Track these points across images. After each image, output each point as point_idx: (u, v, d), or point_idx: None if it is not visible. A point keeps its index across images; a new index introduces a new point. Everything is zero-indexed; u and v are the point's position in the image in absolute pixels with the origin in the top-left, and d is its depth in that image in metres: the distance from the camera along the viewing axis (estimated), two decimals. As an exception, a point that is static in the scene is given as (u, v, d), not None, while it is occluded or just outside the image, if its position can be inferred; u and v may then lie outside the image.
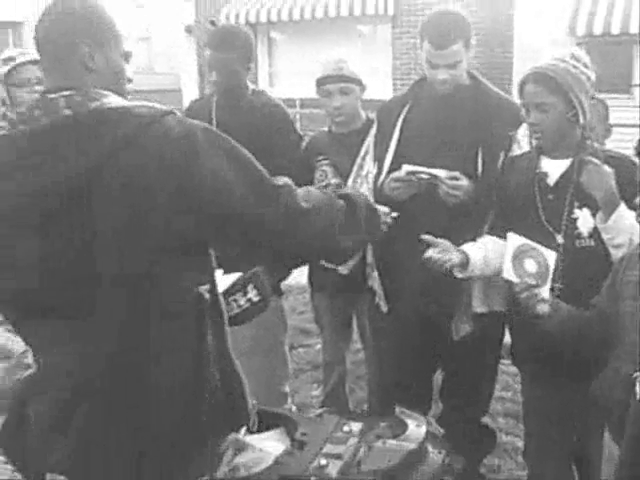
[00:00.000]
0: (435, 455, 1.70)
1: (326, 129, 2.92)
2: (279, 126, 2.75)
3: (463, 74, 2.42)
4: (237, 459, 1.88)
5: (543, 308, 1.94)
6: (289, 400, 2.98)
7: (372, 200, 2.47)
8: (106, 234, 1.34)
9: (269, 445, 1.95)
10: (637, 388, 1.23)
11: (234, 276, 1.75)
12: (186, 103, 6.51)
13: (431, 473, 1.65)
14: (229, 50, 2.66)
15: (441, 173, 2.29)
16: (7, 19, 17.94)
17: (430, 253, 2.21)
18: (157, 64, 18.45)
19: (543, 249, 2.01)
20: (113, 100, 1.40)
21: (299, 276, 2.95)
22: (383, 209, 1.82)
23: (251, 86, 2.83)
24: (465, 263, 2.22)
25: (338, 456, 1.72)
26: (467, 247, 2.25)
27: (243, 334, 2.79)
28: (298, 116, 10.03)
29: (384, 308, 2.58)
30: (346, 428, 1.83)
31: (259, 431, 1.98)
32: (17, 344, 4.92)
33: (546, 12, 9.24)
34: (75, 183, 1.32)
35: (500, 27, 9.62)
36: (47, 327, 1.45)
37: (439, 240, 2.23)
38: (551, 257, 1.99)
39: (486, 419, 2.82)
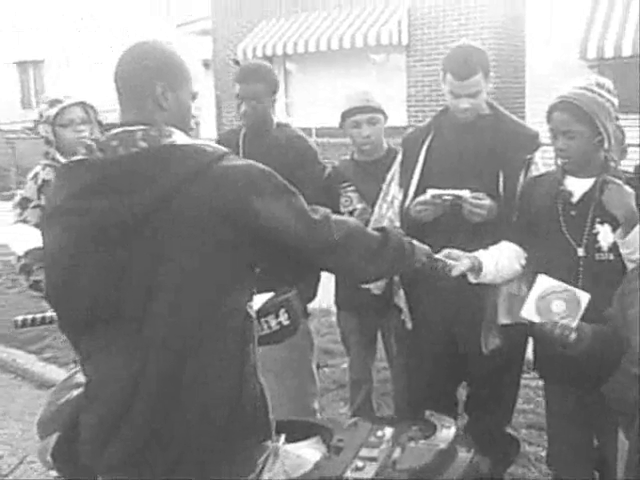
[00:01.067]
0: (464, 454, 1.84)
1: (348, 157, 3.10)
2: (304, 157, 2.93)
3: (483, 104, 2.60)
4: (277, 466, 2.02)
5: (571, 337, 1.98)
6: (318, 416, 3.11)
7: (397, 224, 2.66)
8: (171, 258, 1.48)
9: (306, 452, 2.08)
10: None
11: (266, 296, 1.90)
12: (204, 137, 6.70)
13: (460, 471, 1.79)
14: (257, 82, 2.87)
15: (465, 193, 2.45)
16: (29, 58, 18.46)
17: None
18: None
19: (576, 290, 2.03)
20: (181, 137, 1.56)
21: (321, 299, 3.12)
22: (424, 248, 1.99)
23: (275, 119, 3.01)
24: (478, 268, 2.34)
25: (373, 459, 1.86)
26: (479, 253, 2.37)
27: (275, 356, 2.95)
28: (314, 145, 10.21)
29: (409, 325, 2.72)
30: (379, 433, 1.97)
31: (296, 440, 2.13)
32: (53, 373, 5.08)
33: (555, 39, 9.44)
34: (146, 210, 1.47)
35: (512, 56, 9.82)
36: (105, 337, 1.58)
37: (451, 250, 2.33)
38: (584, 298, 2.00)
39: (509, 430, 2.94)
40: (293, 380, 3.01)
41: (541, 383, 3.66)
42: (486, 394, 2.74)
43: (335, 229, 1.64)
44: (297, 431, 2.15)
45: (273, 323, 1.90)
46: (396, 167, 2.78)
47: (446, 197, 2.47)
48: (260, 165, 1.60)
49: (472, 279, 2.37)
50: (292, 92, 12.70)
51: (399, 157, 2.77)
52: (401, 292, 2.73)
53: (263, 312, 1.87)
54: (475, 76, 2.47)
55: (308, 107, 11.69)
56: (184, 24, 14.37)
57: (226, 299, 1.56)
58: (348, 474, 1.85)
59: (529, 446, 3.14)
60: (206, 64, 14.15)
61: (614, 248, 2.21)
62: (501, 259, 2.39)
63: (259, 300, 1.86)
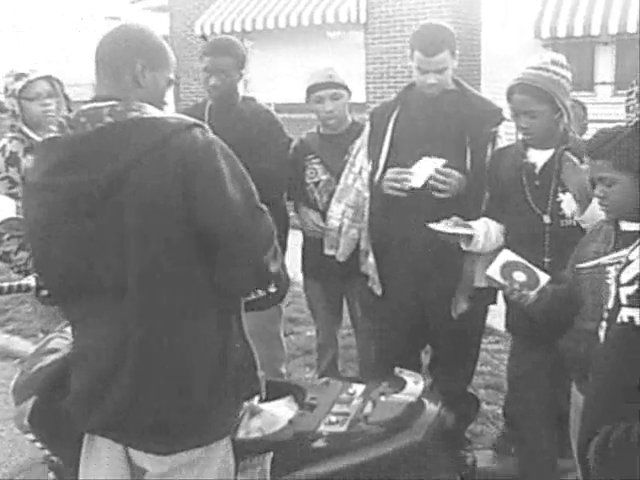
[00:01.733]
0: (432, 407, 1.96)
1: (314, 130, 3.18)
2: (270, 131, 2.98)
3: (449, 79, 2.71)
4: (253, 423, 2.11)
5: (530, 300, 2.13)
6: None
7: (366, 194, 2.77)
8: (133, 228, 1.53)
9: (280, 410, 2.18)
10: (601, 333, 1.50)
11: None
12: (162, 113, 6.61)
13: (428, 422, 1.91)
14: (225, 55, 2.92)
15: (438, 163, 2.57)
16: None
17: (441, 227, 2.44)
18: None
19: (537, 270, 2.17)
20: (151, 111, 1.61)
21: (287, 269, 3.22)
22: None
23: (241, 93, 3.06)
24: (469, 237, 2.48)
25: (346, 413, 1.97)
26: (472, 223, 2.51)
27: (247, 323, 3.06)
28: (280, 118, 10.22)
29: (378, 291, 2.84)
30: (351, 390, 2.09)
31: (270, 400, 2.22)
32: (18, 345, 5.05)
33: (511, 18, 9.62)
34: (109, 182, 1.53)
35: (468, 34, 9.95)
36: (89, 305, 1.65)
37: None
38: (544, 279, 2.15)
39: (470, 389, 3.09)
40: (261, 346, 3.08)
41: (497, 347, 3.89)
42: (450, 356, 2.88)
43: (272, 225, 1.67)
44: (271, 392, 2.24)
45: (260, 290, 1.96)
46: (363, 139, 2.87)
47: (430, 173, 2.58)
48: (222, 143, 1.62)
49: (464, 246, 2.50)
50: (251, 68, 12.62)
51: (366, 130, 2.86)
52: (370, 259, 2.83)
53: None
54: (442, 53, 2.58)
55: (267, 83, 11.65)
56: (140, 0, 14.12)
57: (199, 267, 1.60)
58: (322, 428, 1.95)
59: (487, 405, 3.30)
60: (164, 40, 13.91)
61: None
62: (490, 229, 2.53)
63: None
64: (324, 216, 3.01)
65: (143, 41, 1.68)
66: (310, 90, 3.03)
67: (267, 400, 2.21)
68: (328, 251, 2.99)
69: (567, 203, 2.37)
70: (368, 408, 1.96)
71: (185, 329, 1.62)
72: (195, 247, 1.58)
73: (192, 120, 1.61)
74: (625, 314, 1.30)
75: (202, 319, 1.64)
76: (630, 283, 1.31)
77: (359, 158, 2.88)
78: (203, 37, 3.20)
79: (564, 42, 9.24)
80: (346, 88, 3.03)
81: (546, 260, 2.36)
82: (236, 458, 1.80)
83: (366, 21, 10.63)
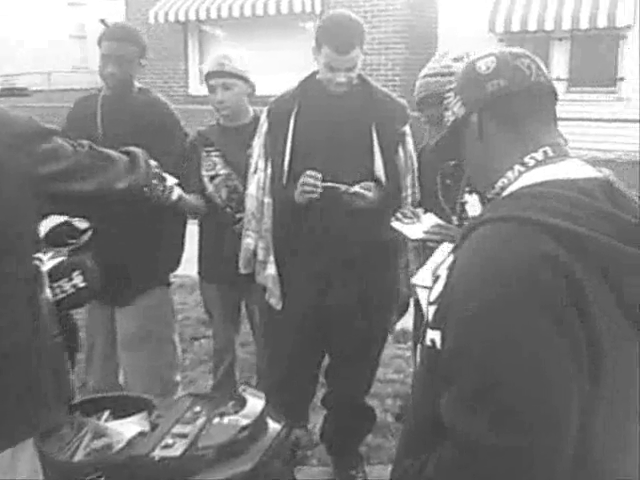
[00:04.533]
0: (273, 427, 1.78)
1: (214, 123, 2.98)
2: (164, 124, 2.80)
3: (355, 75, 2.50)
4: (94, 444, 1.93)
5: None
6: (180, 389, 3.02)
7: (267, 199, 2.56)
8: None
9: (130, 429, 2.00)
10: (417, 357, 1.32)
11: (57, 260, 1.79)
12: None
13: (268, 444, 1.73)
14: (125, 41, 2.71)
15: (355, 189, 2.39)
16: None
17: (397, 225, 2.29)
18: (92, 62, 18.18)
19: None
20: None
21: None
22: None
23: (137, 84, 2.86)
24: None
25: (184, 435, 1.78)
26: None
27: (131, 327, 2.86)
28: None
29: (277, 306, 2.60)
30: (197, 408, 1.89)
31: (125, 416, 2.04)
32: None
33: (466, 12, 9.47)
34: None
35: (424, 27, 9.81)
36: None
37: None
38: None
39: (369, 401, 2.92)
40: (152, 352, 2.91)
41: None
42: (347, 365, 2.70)
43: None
44: (127, 406, 2.07)
45: (67, 286, 1.78)
46: (260, 139, 2.63)
47: (329, 185, 2.39)
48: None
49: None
50: (209, 58, 12.39)
51: (263, 128, 2.62)
52: (271, 270, 2.59)
53: (55, 276, 1.75)
54: (354, 50, 2.39)
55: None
56: (95, -14, 13.79)
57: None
58: (157, 452, 1.77)
59: (391, 417, 3.13)
60: (106, 24, 13.58)
61: None
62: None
63: (50, 264, 1.76)
64: (233, 217, 2.81)
65: None
66: (205, 78, 2.85)
67: (121, 416, 2.06)
68: (244, 270, 2.75)
69: (472, 204, 2.24)
70: (205, 430, 1.77)
71: None
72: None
73: None
74: (429, 336, 1.14)
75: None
76: (434, 302, 1.14)
77: (255, 159, 2.65)
78: (104, 22, 2.99)
79: (519, 37, 9.13)
80: (242, 78, 2.82)
81: None
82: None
83: (321, 11, 10.43)
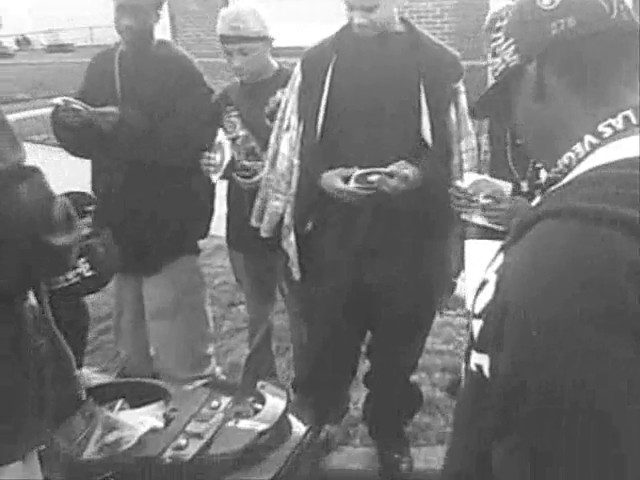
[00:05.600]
0: (297, 431, 1.56)
1: (237, 79, 2.70)
2: (185, 79, 2.58)
3: (390, 20, 2.16)
4: (105, 438, 1.77)
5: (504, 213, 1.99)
6: (213, 362, 2.85)
7: (296, 161, 2.31)
8: None
9: (144, 420, 1.83)
10: (462, 374, 1.04)
11: None
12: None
13: (291, 450, 1.52)
14: None
15: (391, 168, 2.10)
16: None
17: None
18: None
19: (499, 182, 2.07)
20: None
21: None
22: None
23: (157, 37, 2.62)
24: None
25: (199, 435, 1.59)
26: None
27: (158, 296, 2.69)
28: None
29: (296, 276, 2.38)
30: (214, 403, 1.70)
31: (140, 405, 1.88)
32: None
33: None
34: None
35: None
36: None
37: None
38: (507, 188, 2.05)
39: (415, 377, 2.68)
40: (183, 323, 2.74)
41: (465, 322, 3.42)
42: (392, 342, 2.44)
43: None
44: (143, 394, 1.90)
45: (71, 275, 1.58)
46: (293, 93, 2.33)
47: (372, 178, 2.11)
48: None
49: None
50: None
51: (297, 81, 2.32)
52: (291, 238, 2.36)
53: None
54: None
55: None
56: None
57: None
58: (167, 453, 1.59)
59: (440, 392, 2.87)
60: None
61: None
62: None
63: None
64: (247, 175, 2.56)
65: None
66: (220, 40, 2.54)
67: (136, 405, 1.90)
68: (255, 223, 2.53)
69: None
70: (221, 432, 1.57)
71: None
72: None
73: None
74: (474, 360, 0.87)
75: None
76: (480, 315, 0.86)
77: (287, 115, 2.36)
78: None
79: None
80: (261, 39, 2.50)
81: None
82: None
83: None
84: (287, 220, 2.38)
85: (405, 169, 2.10)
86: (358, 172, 2.12)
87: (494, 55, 0.97)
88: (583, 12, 0.88)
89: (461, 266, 2.27)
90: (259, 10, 2.52)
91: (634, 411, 0.69)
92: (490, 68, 1.01)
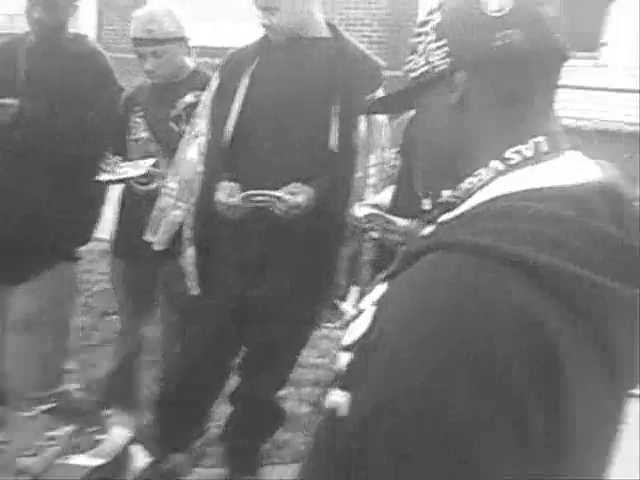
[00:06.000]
0: (138, 463, 1.49)
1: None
2: (97, 76, 2.47)
3: (302, 25, 2.13)
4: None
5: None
6: (68, 378, 2.66)
7: (200, 168, 2.25)
8: None
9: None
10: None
11: None
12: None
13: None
14: None
15: (280, 193, 2.08)
16: None
17: None
18: None
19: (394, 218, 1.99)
20: None
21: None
22: None
23: (72, 30, 2.49)
24: None
25: (25, 471, 1.48)
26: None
27: (25, 309, 2.49)
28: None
29: (194, 291, 2.32)
30: (51, 434, 1.59)
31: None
32: None
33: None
34: None
35: (404, 7, 9.16)
36: None
37: None
38: (402, 222, 1.97)
39: (284, 391, 2.62)
40: (38, 337, 2.56)
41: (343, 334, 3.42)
42: (263, 359, 2.41)
43: None
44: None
45: None
46: (208, 99, 2.28)
47: (259, 198, 2.10)
48: None
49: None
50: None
51: (213, 86, 2.27)
52: (190, 251, 2.29)
53: None
54: None
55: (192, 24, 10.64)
56: None
57: None
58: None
59: (306, 407, 2.84)
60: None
61: None
62: None
63: None
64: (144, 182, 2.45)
65: None
66: (132, 42, 2.45)
67: None
68: (149, 237, 2.41)
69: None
70: (52, 469, 1.47)
71: None
72: None
73: None
74: (332, 397, 0.79)
75: None
76: (350, 347, 0.80)
77: (198, 120, 2.30)
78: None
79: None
80: (176, 40, 2.42)
81: None
82: None
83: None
84: (186, 233, 2.33)
85: (296, 194, 2.08)
86: (245, 193, 2.10)
87: (414, 52, 0.85)
88: (532, 26, 0.79)
89: (350, 283, 2.28)
90: (174, 10, 2.46)
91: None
92: (406, 66, 0.86)
